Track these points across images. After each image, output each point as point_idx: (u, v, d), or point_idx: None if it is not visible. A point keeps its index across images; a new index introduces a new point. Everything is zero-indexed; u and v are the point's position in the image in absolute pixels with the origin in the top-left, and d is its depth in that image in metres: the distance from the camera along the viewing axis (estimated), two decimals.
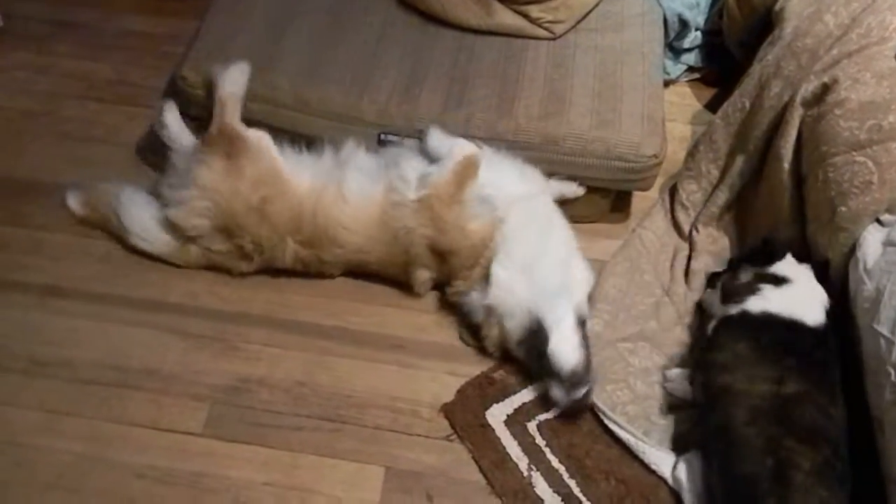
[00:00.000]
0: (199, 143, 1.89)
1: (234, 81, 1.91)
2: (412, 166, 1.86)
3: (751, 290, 1.73)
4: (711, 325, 1.77)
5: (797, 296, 1.70)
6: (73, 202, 2.02)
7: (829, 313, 1.69)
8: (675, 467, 1.66)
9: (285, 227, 1.84)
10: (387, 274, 1.93)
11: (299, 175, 1.87)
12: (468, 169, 1.82)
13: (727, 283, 1.81)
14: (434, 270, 1.88)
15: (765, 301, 1.69)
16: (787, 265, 1.76)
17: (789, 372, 1.59)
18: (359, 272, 1.95)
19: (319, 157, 1.92)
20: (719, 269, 1.92)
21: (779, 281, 1.73)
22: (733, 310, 1.72)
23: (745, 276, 1.78)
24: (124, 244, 1.97)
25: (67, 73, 2.38)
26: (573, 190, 2.03)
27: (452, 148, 1.84)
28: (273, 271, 1.94)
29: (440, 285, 1.93)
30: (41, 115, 2.28)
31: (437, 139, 1.89)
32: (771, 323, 1.66)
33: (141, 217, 1.94)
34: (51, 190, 2.08)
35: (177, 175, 1.89)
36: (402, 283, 1.94)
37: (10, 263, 1.96)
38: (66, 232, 2.02)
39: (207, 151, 1.84)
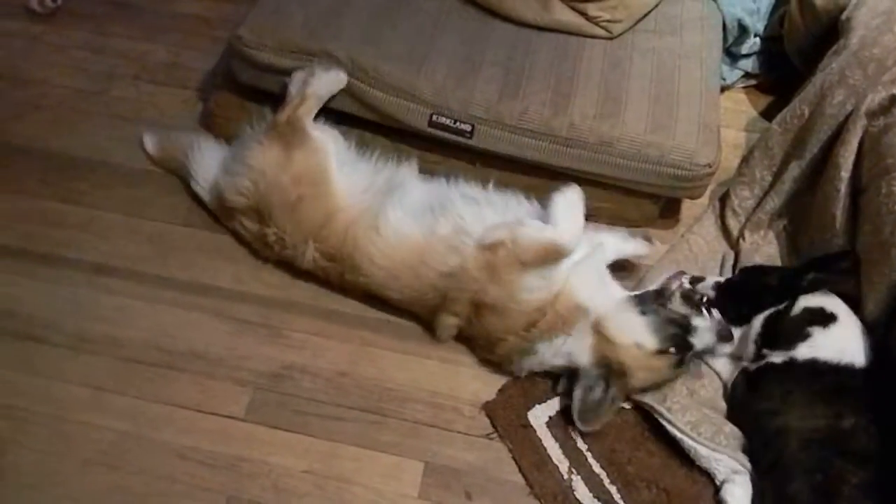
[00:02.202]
0: (266, 125, 1.90)
1: (326, 85, 1.92)
2: (472, 212, 1.79)
3: (800, 335, 1.68)
4: (746, 368, 1.73)
5: (845, 337, 1.67)
6: (149, 143, 2.11)
7: (872, 347, 1.66)
8: (721, 488, 1.64)
9: (311, 230, 1.82)
10: (409, 310, 1.86)
11: (349, 185, 1.85)
12: (555, 254, 1.70)
13: (776, 321, 1.73)
14: (463, 321, 1.78)
15: (814, 349, 1.66)
16: (830, 300, 1.72)
17: (845, 408, 1.58)
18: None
19: (376, 172, 1.91)
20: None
21: (826, 320, 1.69)
22: (777, 358, 1.68)
23: (797, 310, 1.72)
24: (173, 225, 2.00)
25: (122, 54, 2.40)
26: (640, 248, 1.94)
27: (559, 223, 1.72)
28: None
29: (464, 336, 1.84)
30: (95, 94, 2.31)
31: (558, 206, 1.76)
32: (822, 370, 1.64)
33: (207, 166, 1.99)
34: (103, 169, 2.11)
35: (240, 146, 1.92)
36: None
37: (61, 240, 1.99)
38: (116, 211, 2.05)
39: (268, 136, 1.86)
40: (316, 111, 1.92)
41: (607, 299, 1.75)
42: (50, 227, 2.01)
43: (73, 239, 1.99)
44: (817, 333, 1.68)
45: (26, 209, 2.04)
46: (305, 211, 1.82)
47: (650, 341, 1.68)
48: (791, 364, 1.66)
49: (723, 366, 1.81)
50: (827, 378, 1.63)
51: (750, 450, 1.66)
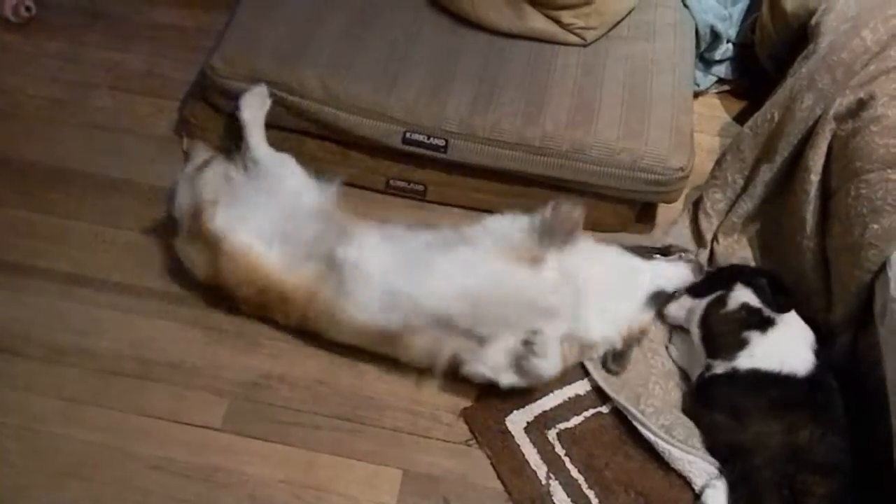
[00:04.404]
0: (184, 230, 1.80)
1: (253, 107, 1.91)
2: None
3: (739, 344, 1.68)
4: (697, 377, 1.75)
5: (784, 343, 1.68)
6: None
7: (818, 351, 1.68)
8: (702, 493, 1.64)
9: (268, 308, 1.78)
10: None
11: (287, 261, 1.73)
12: None
13: (714, 325, 1.74)
14: None
15: (752, 359, 1.66)
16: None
17: (796, 421, 1.60)
18: None
19: (319, 231, 1.75)
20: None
21: (764, 325, 1.69)
22: (720, 368, 1.69)
23: (732, 303, 1.74)
24: (148, 235, 1.98)
25: (98, 63, 2.39)
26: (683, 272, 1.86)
27: (538, 368, 1.64)
28: None
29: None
30: (71, 103, 2.29)
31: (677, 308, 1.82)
32: (765, 381, 1.64)
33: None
34: (77, 178, 2.09)
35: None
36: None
37: (34, 250, 1.97)
38: (91, 221, 2.03)
39: (188, 239, 1.79)
40: (261, 133, 1.90)
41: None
42: (22, 238, 1.99)
43: (46, 249, 1.97)
44: (755, 340, 1.68)
45: None
46: (255, 299, 1.76)
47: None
48: (734, 375, 1.67)
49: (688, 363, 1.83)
50: (772, 390, 1.63)
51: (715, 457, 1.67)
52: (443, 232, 1.76)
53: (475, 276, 1.66)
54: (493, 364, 1.67)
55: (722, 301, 1.76)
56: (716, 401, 1.68)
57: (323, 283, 1.70)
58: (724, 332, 1.72)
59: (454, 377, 1.75)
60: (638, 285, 1.79)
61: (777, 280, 1.77)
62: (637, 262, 1.82)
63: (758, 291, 1.74)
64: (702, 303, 1.79)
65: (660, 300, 1.82)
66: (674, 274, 1.82)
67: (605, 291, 1.74)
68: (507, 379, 1.68)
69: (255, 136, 1.90)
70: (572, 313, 1.70)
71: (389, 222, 1.80)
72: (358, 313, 1.68)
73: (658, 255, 1.86)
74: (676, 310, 1.84)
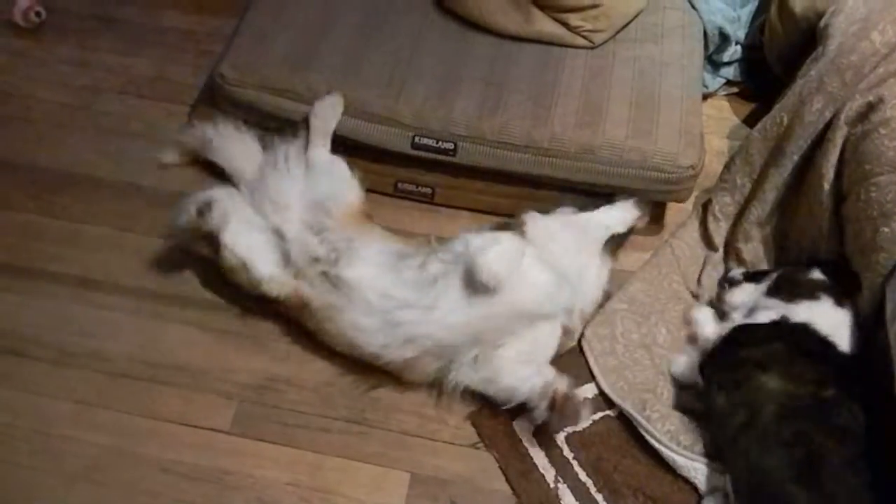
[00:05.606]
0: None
1: (326, 115, 1.95)
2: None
3: (809, 294, 1.71)
4: (737, 319, 1.76)
5: (842, 319, 1.69)
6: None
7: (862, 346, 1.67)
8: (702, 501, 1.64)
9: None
10: None
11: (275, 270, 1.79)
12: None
13: (789, 274, 1.79)
14: None
15: (810, 313, 1.68)
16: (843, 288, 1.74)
17: (826, 376, 1.59)
18: None
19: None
20: (739, 272, 1.91)
21: (840, 298, 1.71)
22: (765, 316, 1.70)
23: (815, 274, 1.77)
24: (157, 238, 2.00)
25: (107, 68, 2.40)
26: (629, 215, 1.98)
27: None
28: None
29: None
30: (80, 108, 2.30)
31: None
32: (811, 338, 1.65)
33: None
34: (87, 183, 2.11)
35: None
36: None
37: (44, 254, 1.98)
38: (101, 224, 2.04)
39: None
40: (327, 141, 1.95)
41: None
42: (33, 241, 2.01)
43: (57, 253, 1.98)
44: (825, 301, 1.70)
45: (9, 223, 2.04)
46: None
47: None
48: (783, 322, 1.68)
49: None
50: (814, 344, 1.64)
51: (714, 410, 1.66)
52: (433, 258, 1.74)
53: (473, 309, 1.67)
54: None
55: (802, 270, 1.80)
56: (755, 339, 1.68)
57: (327, 295, 1.74)
58: (798, 283, 1.76)
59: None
60: (590, 238, 1.88)
61: (851, 273, 1.77)
62: (581, 215, 1.91)
63: (828, 274, 1.78)
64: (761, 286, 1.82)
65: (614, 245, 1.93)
66: (617, 215, 1.93)
67: (575, 262, 1.81)
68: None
69: (318, 143, 1.93)
70: (564, 303, 1.77)
71: (393, 236, 1.86)
72: (356, 334, 1.72)
73: (602, 204, 1.93)
74: (738, 296, 1.84)
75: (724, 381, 1.66)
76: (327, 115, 1.94)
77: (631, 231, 1.98)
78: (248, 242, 1.77)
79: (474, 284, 1.64)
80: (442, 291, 1.67)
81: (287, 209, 1.84)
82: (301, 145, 1.95)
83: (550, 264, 1.74)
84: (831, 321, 1.68)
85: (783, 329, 1.67)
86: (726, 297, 1.87)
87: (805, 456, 1.50)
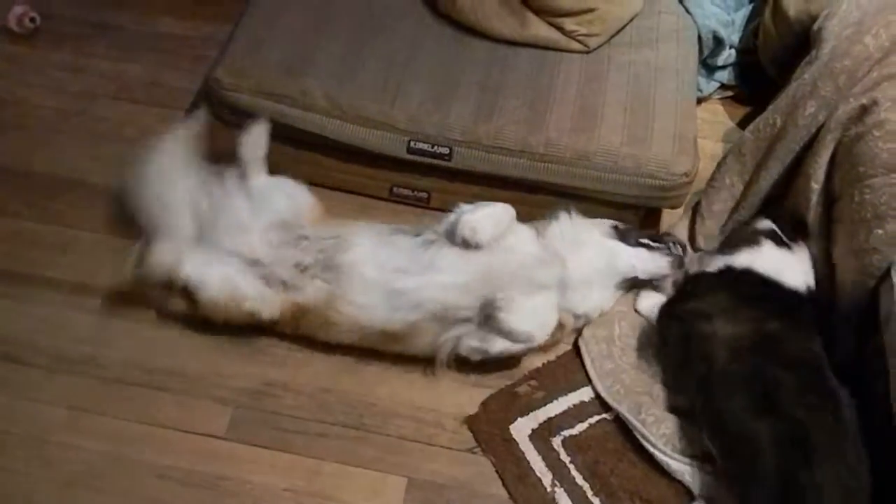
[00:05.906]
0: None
1: (254, 145, 1.88)
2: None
3: (749, 241, 1.78)
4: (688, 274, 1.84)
5: (788, 262, 1.76)
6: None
7: (809, 294, 1.74)
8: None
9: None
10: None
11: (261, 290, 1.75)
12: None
13: (734, 233, 1.89)
14: None
15: (753, 259, 1.74)
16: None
17: (769, 313, 1.65)
18: None
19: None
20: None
21: (780, 242, 1.78)
22: (712, 265, 1.77)
23: (759, 224, 1.85)
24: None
25: (102, 74, 2.40)
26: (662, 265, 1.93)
27: (524, 332, 1.72)
28: None
29: None
30: (75, 114, 2.30)
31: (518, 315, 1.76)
32: (753, 280, 1.72)
33: None
34: (82, 188, 2.11)
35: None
36: None
37: (38, 260, 1.98)
38: (95, 230, 2.04)
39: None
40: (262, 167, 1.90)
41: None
42: (28, 247, 2.00)
43: (52, 259, 1.98)
44: (767, 247, 1.77)
45: (4, 229, 2.03)
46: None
47: None
48: (726, 271, 1.74)
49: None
50: (756, 287, 1.70)
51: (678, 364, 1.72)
52: (427, 229, 1.81)
53: (469, 267, 1.72)
54: (482, 335, 1.72)
55: (748, 223, 1.89)
56: (699, 291, 1.74)
57: (324, 292, 1.73)
58: (740, 234, 1.84)
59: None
60: (614, 268, 1.86)
61: (799, 222, 1.85)
62: (619, 245, 1.88)
63: (779, 223, 1.84)
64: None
65: (630, 285, 1.91)
66: (649, 264, 1.88)
67: (586, 269, 1.83)
68: (497, 346, 1.72)
69: (254, 172, 1.89)
70: (559, 286, 1.79)
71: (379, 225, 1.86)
72: (360, 314, 1.72)
73: (647, 241, 1.90)
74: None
75: (674, 335, 1.73)
76: (256, 144, 1.89)
77: (650, 283, 1.91)
78: (220, 272, 1.73)
79: (464, 244, 1.70)
80: (437, 253, 1.73)
81: (246, 232, 1.79)
82: (235, 174, 1.90)
83: (556, 251, 1.80)
84: (773, 263, 1.74)
85: (726, 277, 1.74)
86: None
87: (762, 390, 1.55)
